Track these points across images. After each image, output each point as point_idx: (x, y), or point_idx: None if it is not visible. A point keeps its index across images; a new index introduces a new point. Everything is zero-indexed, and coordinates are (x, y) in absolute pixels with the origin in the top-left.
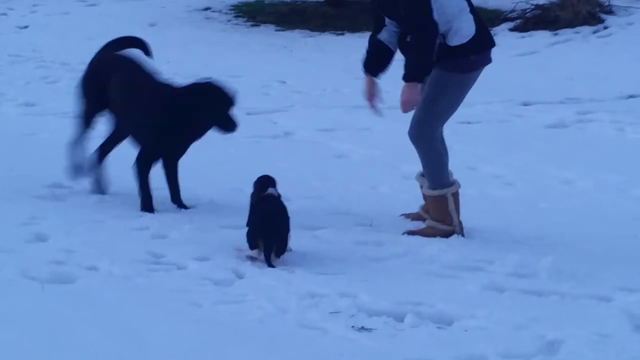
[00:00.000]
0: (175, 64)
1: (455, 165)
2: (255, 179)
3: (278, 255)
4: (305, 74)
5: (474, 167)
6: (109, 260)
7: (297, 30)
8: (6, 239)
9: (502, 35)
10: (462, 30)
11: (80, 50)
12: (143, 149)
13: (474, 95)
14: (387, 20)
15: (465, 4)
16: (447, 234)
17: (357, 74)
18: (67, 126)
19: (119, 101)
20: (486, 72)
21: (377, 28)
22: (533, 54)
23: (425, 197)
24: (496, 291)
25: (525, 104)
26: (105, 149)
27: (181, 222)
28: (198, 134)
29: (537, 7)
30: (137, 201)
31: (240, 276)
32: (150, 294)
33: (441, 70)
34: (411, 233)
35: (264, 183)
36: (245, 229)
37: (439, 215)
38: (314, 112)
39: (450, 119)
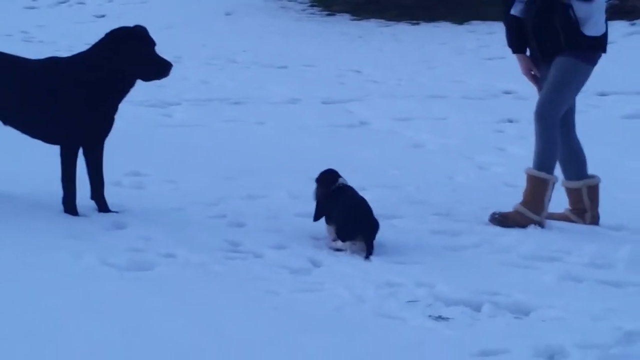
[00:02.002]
0: (251, 52)
1: (531, 154)
2: (319, 174)
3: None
4: (380, 63)
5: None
6: (187, 247)
7: (372, 20)
8: (85, 226)
9: None
10: (599, 24)
11: (157, 39)
12: (66, 132)
13: None
14: None
15: (604, 5)
16: (533, 223)
17: (432, 63)
18: (146, 114)
19: (5, 98)
20: None
21: (507, 6)
22: (610, 44)
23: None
24: (574, 281)
25: (602, 94)
26: None
27: (258, 211)
28: (122, 94)
29: None
30: (212, 190)
31: (317, 265)
32: (228, 281)
33: (574, 59)
34: (497, 218)
35: (332, 176)
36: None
37: (532, 200)
38: (389, 102)
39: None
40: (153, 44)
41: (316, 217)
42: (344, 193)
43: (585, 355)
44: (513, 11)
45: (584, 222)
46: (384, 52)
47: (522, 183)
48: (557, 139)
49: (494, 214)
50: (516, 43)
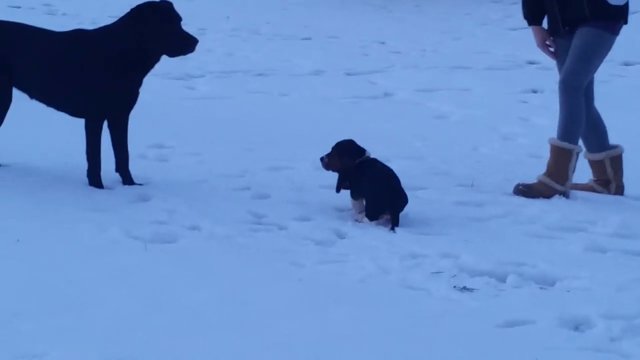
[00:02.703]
0: (274, 25)
1: (555, 125)
2: (340, 144)
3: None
4: (404, 34)
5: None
6: (211, 220)
7: None
8: (110, 199)
9: None
10: None
11: (180, 12)
12: (91, 105)
13: None
14: None
15: None
16: (558, 193)
17: (455, 34)
18: (170, 87)
19: (31, 71)
20: None
21: None
22: (634, 13)
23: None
24: (599, 252)
25: (626, 64)
26: None
27: (282, 183)
28: (147, 69)
29: None
30: (237, 162)
31: (341, 236)
32: (252, 254)
33: (598, 29)
34: (521, 189)
35: (355, 147)
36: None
37: (556, 170)
38: (413, 73)
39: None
40: (179, 19)
41: (339, 188)
42: (372, 168)
43: (610, 326)
44: None
45: (609, 193)
46: (408, 23)
47: (546, 154)
48: (583, 110)
49: (518, 185)
50: (532, 14)
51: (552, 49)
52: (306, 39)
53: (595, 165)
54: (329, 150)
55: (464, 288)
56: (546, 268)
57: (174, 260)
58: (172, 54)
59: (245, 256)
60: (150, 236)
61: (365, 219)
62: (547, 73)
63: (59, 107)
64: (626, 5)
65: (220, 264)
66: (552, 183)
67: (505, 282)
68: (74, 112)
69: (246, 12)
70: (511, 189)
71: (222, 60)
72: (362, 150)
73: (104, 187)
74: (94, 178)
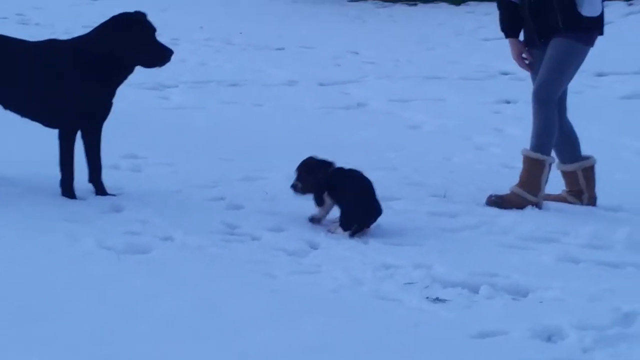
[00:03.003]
0: (247, 35)
1: (528, 136)
2: (300, 165)
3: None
4: (377, 44)
5: None
6: (184, 230)
7: (369, 1)
8: (83, 209)
9: None
10: (595, 4)
11: (154, 21)
12: (65, 115)
13: None
14: None
15: None
16: (530, 204)
17: (429, 44)
18: (143, 97)
19: (3, 80)
20: None
21: None
22: (608, 24)
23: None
24: (571, 262)
25: (600, 75)
26: None
27: (255, 193)
28: (121, 79)
29: None
30: (210, 172)
31: (314, 247)
32: (225, 264)
33: (571, 40)
34: (494, 200)
35: (320, 160)
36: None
37: (529, 181)
38: (386, 83)
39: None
40: (153, 30)
41: (321, 202)
42: (350, 177)
43: (582, 336)
44: None
45: (581, 203)
46: (382, 33)
47: (519, 164)
48: (555, 121)
49: (490, 196)
50: (509, 27)
51: (527, 62)
52: (279, 49)
53: (568, 176)
54: (301, 160)
55: (437, 299)
56: (519, 279)
57: (147, 270)
58: (147, 65)
59: (219, 266)
60: (123, 247)
61: (339, 229)
62: (520, 84)
63: (33, 117)
64: (600, 16)
65: (193, 274)
66: (525, 194)
67: (478, 293)
68: (48, 123)
69: (219, 22)
70: (484, 200)
71: (195, 70)
72: (328, 161)
73: (77, 197)
74: (67, 188)
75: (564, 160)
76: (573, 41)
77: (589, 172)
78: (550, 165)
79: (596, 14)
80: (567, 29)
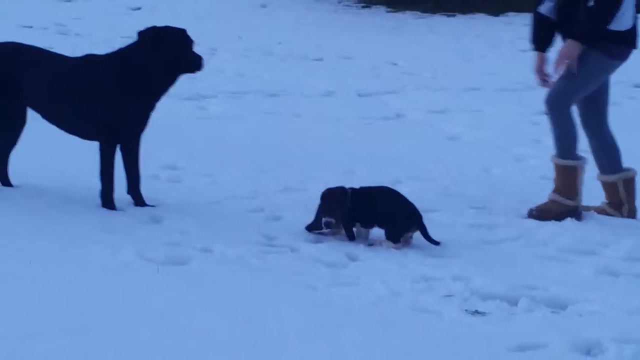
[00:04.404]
0: (286, 45)
1: None
2: (322, 200)
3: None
4: (416, 55)
5: (585, 149)
6: (223, 241)
7: (407, 12)
8: (122, 220)
9: None
10: (625, 17)
11: (191, 32)
12: (105, 129)
13: None
14: None
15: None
16: (569, 210)
17: (467, 55)
18: (182, 107)
19: (44, 95)
20: None
21: (538, 2)
22: None
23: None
24: (611, 275)
25: (638, 86)
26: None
27: (294, 204)
28: (160, 92)
29: None
30: (249, 183)
31: (353, 259)
32: (264, 276)
33: (592, 50)
34: (535, 214)
35: (334, 188)
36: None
37: (565, 187)
38: (425, 94)
39: None
40: (191, 42)
41: (350, 230)
42: (378, 194)
43: (621, 350)
44: (542, 9)
45: (621, 215)
46: (420, 44)
47: None
48: (572, 124)
49: (531, 210)
50: (537, 40)
51: (545, 75)
52: (318, 59)
53: (608, 187)
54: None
55: (476, 311)
56: (558, 291)
57: (187, 282)
58: (184, 71)
59: (257, 278)
60: (162, 258)
61: (389, 243)
62: None
63: (73, 131)
64: (631, 30)
65: (232, 285)
66: (563, 199)
67: (516, 306)
68: (87, 136)
69: (258, 32)
70: (524, 211)
71: (234, 80)
72: (341, 187)
73: (117, 208)
74: (107, 199)
75: (604, 170)
76: (597, 53)
77: (630, 184)
78: (582, 167)
79: (625, 27)
80: (594, 41)
